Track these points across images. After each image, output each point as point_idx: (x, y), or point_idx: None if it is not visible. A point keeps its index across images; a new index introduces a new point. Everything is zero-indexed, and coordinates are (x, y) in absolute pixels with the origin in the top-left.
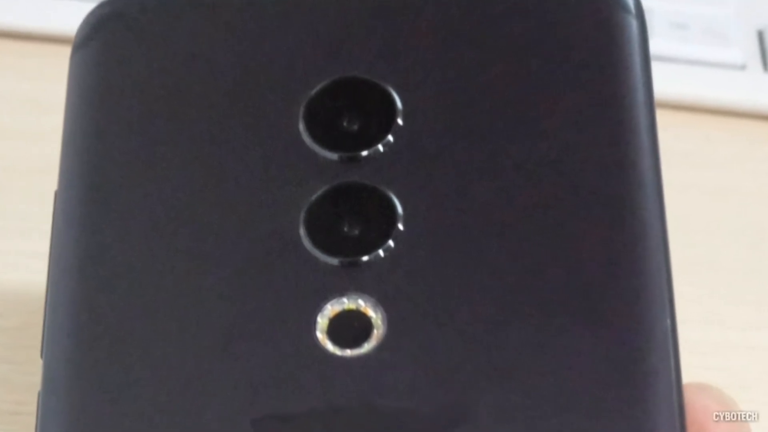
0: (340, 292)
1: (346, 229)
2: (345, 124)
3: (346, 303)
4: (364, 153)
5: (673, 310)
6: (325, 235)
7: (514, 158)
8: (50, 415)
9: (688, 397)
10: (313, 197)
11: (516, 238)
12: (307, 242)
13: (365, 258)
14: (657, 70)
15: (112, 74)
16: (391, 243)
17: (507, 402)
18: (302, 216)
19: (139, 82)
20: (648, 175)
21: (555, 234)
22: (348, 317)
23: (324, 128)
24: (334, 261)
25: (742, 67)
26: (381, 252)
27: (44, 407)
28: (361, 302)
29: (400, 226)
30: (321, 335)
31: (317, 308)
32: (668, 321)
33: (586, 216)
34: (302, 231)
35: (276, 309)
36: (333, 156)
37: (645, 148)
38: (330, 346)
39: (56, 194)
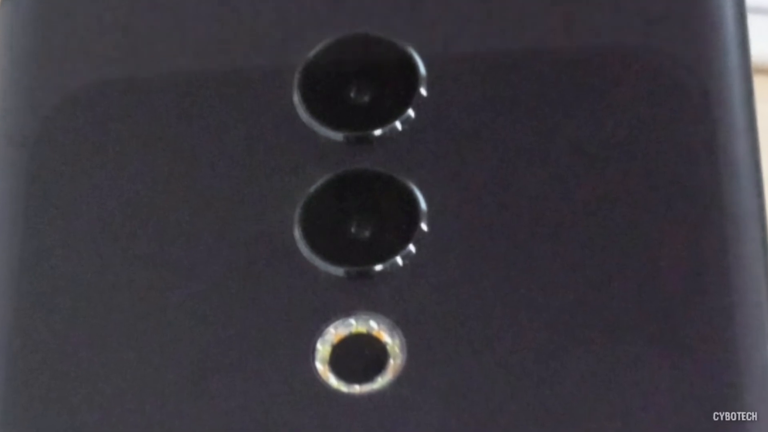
0: (347, 312)
1: (353, 230)
2: (352, 95)
3: (354, 325)
4: (377, 132)
5: None
6: (326, 238)
7: (571, 138)
8: None
9: None
10: (312, 189)
11: (573, 241)
12: (303, 247)
13: (378, 267)
14: (755, 25)
15: (51, 28)
16: (411, 248)
17: None
18: (297, 213)
19: (86, 39)
20: (743, 160)
21: (624, 237)
22: (357, 344)
23: (326, 101)
24: (338, 271)
25: None
26: (399, 260)
27: None
28: (373, 324)
29: (424, 227)
30: (321, 366)
31: (317, 332)
32: None
33: (663, 213)
34: (297, 233)
35: (263, 334)
36: (337, 136)
37: (739, 126)
38: (333, 381)
39: None
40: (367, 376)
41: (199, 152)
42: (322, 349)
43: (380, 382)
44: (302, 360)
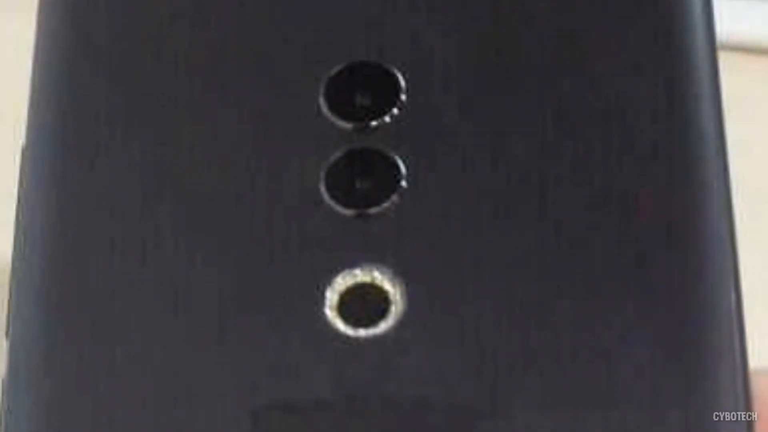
0: (352, 264)
1: (358, 185)
2: (357, 98)
3: (360, 275)
4: (374, 123)
5: (738, 283)
6: (339, 191)
7: (553, 106)
8: (16, 406)
9: (757, 385)
10: (332, 158)
11: (555, 199)
12: (325, 197)
13: (374, 209)
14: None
15: (88, 9)
16: (395, 197)
17: (547, 392)
18: (321, 175)
19: (126, 18)
20: (709, 127)
21: (602, 195)
22: (362, 292)
23: (340, 101)
24: (348, 212)
25: None
26: (389, 204)
27: (9, 396)
28: (376, 274)
29: (404, 184)
30: (331, 313)
31: (326, 282)
32: (733, 296)
33: (639, 174)
34: (321, 188)
35: (279, 283)
36: (347, 125)
37: (706, 96)
38: (341, 326)
39: (24, 151)
40: (371, 322)
41: (228, 126)
42: (331, 297)
43: (383, 327)
44: (314, 307)
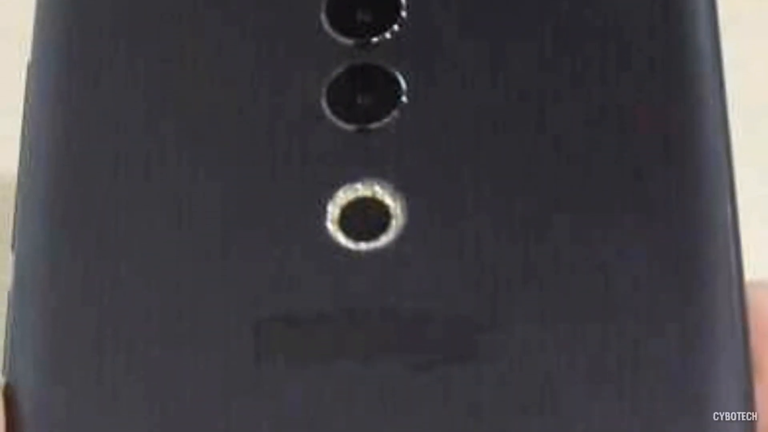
0: (353, 178)
1: (360, 101)
2: (359, 15)
3: (361, 189)
4: (374, 40)
5: (734, 197)
6: (341, 107)
7: (552, 23)
8: (22, 319)
9: (753, 297)
10: (333, 74)
11: (553, 115)
12: (324, 112)
13: (375, 125)
14: None
15: None
16: (396, 113)
17: (546, 305)
18: (323, 91)
19: None
20: (706, 43)
21: (599, 111)
22: (362, 206)
23: (342, 18)
24: (349, 127)
25: None
26: (390, 120)
27: (15, 309)
28: (377, 189)
29: (404, 99)
30: (332, 226)
31: (328, 196)
32: (729, 210)
33: (636, 90)
34: (323, 103)
35: (281, 197)
36: (349, 41)
37: (702, 12)
38: (342, 239)
39: (29, 68)
40: (372, 235)
41: (234, 42)
42: (333, 210)
43: (384, 240)
44: (315, 220)
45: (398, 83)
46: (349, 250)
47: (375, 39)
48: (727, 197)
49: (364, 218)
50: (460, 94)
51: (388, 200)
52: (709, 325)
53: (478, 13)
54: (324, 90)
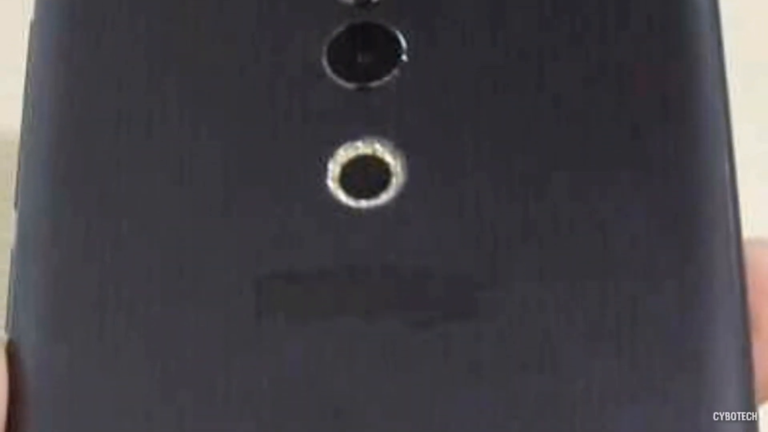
0: (354, 136)
1: (360, 59)
2: None
3: (361, 147)
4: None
5: (732, 155)
6: (342, 65)
7: None
8: (25, 276)
9: (751, 254)
10: (334, 33)
11: (552, 73)
12: (325, 71)
13: (376, 83)
14: None
15: None
16: (396, 71)
17: (545, 262)
18: (324, 50)
19: None
20: (704, 1)
21: (598, 69)
22: (363, 164)
23: None
24: (350, 85)
25: None
26: (390, 78)
27: (18, 266)
28: (378, 147)
29: (404, 57)
30: (333, 184)
31: (329, 154)
32: (727, 167)
33: (634, 49)
34: (324, 62)
35: (282, 155)
36: (349, 0)
37: None
38: (343, 197)
39: (32, 26)
40: (372, 193)
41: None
42: (333, 168)
43: (384, 198)
44: (316, 178)
45: (398, 42)
46: (349, 208)
47: None
48: (725, 154)
49: (365, 176)
50: (460, 52)
51: (389, 158)
52: (707, 282)
53: None
54: (324, 48)
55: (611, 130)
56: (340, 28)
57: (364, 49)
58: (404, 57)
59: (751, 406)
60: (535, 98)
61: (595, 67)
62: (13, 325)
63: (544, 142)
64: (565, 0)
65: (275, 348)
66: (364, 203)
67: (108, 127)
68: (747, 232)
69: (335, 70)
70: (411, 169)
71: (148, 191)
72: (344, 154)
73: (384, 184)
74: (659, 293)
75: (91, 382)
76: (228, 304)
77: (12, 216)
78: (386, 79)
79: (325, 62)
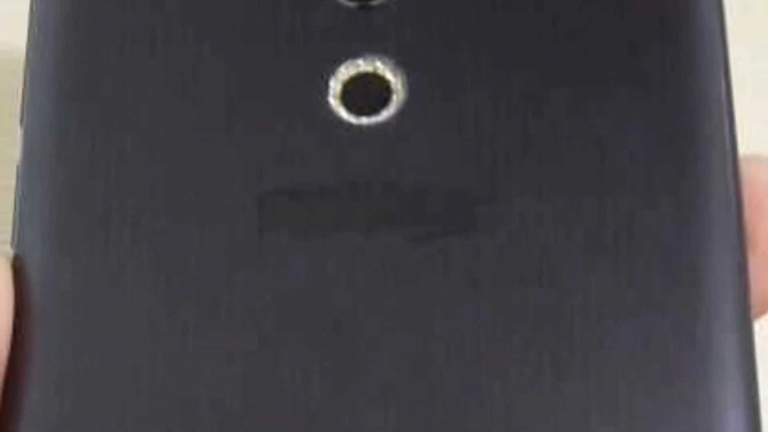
0: (355, 54)
1: None
2: None
3: (362, 65)
4: None
5: (728, 73)
6: None
7: None
8: (30, 192)
9: (747, 170)
10: None
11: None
12: None
13: (377, 1)
14: None
15: None
16: None
17: (544, 178)
18: None
19: None
20: None
21: None
22: (364, 81)
23: None
24: (351, 4)
25: None
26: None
27: (23, 182)
28: (379, 64)
29: None
30: (334, 101)
31: (330, 71)
32: (723, 85)
33: None
34: None
35: (284, 72)
36: None
37: None
38: (344, 114)
39: None
40: (373, 110)
41: None
42: (335, 86)
43: (385, 115)
44: (318, 95)
45: None
46: (350, 125)
47: None
48: (721, 72)
49: (366, 93)
50: None
51: (389, 75)
52: (704, 198)
53: None
54: None
55: (609, 48)
56: None
57: None
58: None
59: (746, 320)
60: (534, 16)
61: None
62: (18, 240)
63: (542, 59)
64: None
65: (277, 263)
66: (365, 120)
67: (112, 44)
68: (742, 149)
69: None
70: (411, 87)
71: (152, 108)
72: (345, 71)
73: (385, 102)
74: (656, 209)
75: (95, 295)
76: (231, 219)
77: (17, 133)
78: None
79: None
